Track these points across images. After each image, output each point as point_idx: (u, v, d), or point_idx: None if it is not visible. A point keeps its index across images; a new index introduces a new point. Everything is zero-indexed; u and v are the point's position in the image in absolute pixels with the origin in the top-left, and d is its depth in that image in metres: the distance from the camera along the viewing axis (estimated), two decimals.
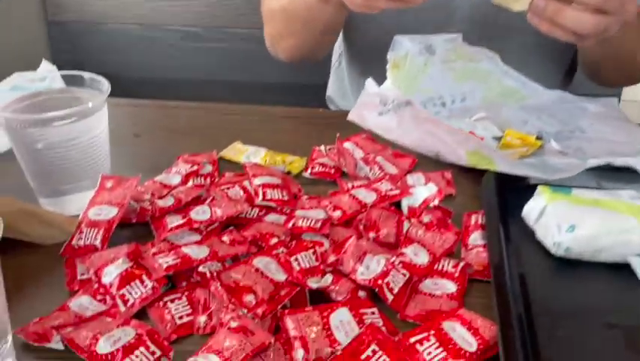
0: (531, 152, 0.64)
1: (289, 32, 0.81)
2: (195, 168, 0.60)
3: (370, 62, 0.75)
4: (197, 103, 0.78)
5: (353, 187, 0.57)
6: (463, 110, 0.74)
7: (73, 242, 0.50)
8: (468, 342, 0.40)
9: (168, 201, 0.54)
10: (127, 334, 0.40)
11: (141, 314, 0.43)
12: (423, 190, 0.55)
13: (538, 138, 0.67)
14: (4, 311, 0.38)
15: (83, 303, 0.44)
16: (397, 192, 0.55)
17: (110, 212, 0.51)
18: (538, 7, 0.56)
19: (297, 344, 0.40)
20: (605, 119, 0.72)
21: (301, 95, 1.00)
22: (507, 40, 0.78)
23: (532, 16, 0.58)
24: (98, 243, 0.49)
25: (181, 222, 0.51)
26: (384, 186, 0.56)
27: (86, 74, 0.55)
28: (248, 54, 1.40)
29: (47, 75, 0.58)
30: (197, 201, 0.54)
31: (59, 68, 0.63)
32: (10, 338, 0.39)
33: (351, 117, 0.63)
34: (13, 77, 0.59)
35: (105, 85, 0.54)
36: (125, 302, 0.44)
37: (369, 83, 0.62)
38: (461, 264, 0.47)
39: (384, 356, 0.39)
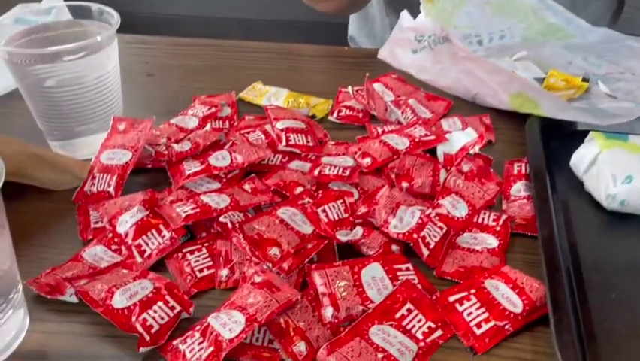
0: (578, 95, 0.58)
1: None
2: (213, 110, 0.56)
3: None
4: (213, 40, 0.73)
5: (383, 132, 0.53)
6: (502, 48, 0.68)
7: (86, 188, 0.47)
8: (512, 302, 0.36)
9: (185, 146, 0.50)
10: (144, 287, 0.37)
11: (159, 266, 0.41)
12: (461, 136, 0.50)
13: (585, 79, 0.61)
14: (12, 260, 0.35)
15: (98, 253, 0.42)
16: (432, 137, 0.50)
17: (123, 156, 0.47)
18: None
19: (325, 301, 0.37)
20: None
21: (319, 34, 0.94)
22: None
23: None
24: (111, 189, 0.46)
25: (199, 168, 0.47)
26: (418, 132, 0.51)
27: (94, 5, 0.50)
28: None
29: (53, 7, 0.53)
30: (216, 146, 0.51)
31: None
32: (20, 288, 0.36)
33: (381, 55, 0.58)
34: (15, 8, 0.54)
35: (115, 17, 0.49)
36: (141, 253, 0.41)
37: (405, 15, 0.56)
38: (503, 217, 0.43)
39: (420, 316, 0.36)
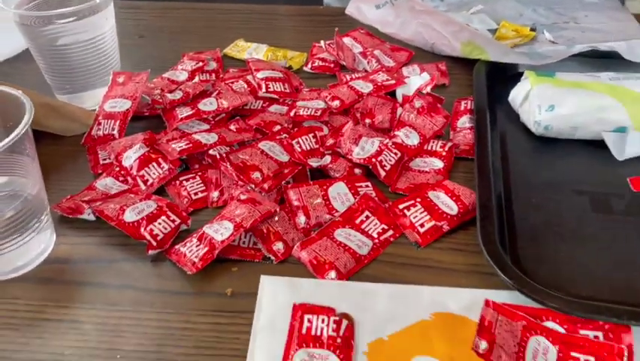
0: (524, 42, 0.66)
1: None
2: (200, 64, 0.63)
3: None
4: (198, 3, 0.79)
5: (351, 79, 0.60)
6: (460, 4, 0.75)
7: (93, 132, 0.54)
8: (449, 207, 0.45)
9: (177, 95, 0.57)
10: (149, 206, 0.45)
11: (160, 192, 0.49)
12: (417, 79, 0.58)
13: (532, 29, 0.68)
14: (41, 185, 0.43)
15: (108, 183, 0.49)
16: (393, 82, 0.58)
17: (124, 104, 0.55)
18: None
19: (299, 212, 0.45)
20: (600, 10, 0.73)
21: None
22: None
23: None
24: (115, 132, 0.53)
25: (190, 112, 0.55)
26: (381, 77, 0.59)
27: None
28: None
29: None
30: (204, 94, 0.58)
31: None
32: (48, 211, 0.44)
33: (349, 11, 0.65)
34: None
35: None
36: (144, 182, 0.49)
37: None
38: (449, 144, 0.52)
39: (375, 220, 0.45)
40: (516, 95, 0.54)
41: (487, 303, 0.38)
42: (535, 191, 0.47)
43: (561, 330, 0.36)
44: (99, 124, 0.54)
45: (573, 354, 0.35)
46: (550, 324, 0.37)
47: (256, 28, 0.73)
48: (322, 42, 0.67)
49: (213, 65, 0.65)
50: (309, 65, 0.65)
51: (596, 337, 0.36)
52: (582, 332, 0.36)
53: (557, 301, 0.36)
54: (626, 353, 0.35)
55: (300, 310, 0.38)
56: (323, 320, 0.37)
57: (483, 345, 0.35)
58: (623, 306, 0.36)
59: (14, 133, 0.37)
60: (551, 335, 0.36)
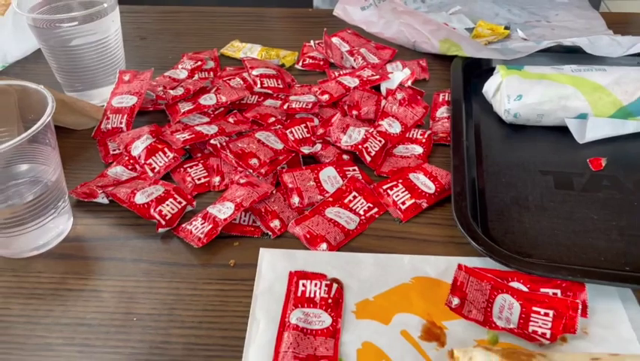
0: (498, 40, 0.71)
1: None
2: (199, 63, 0.68)
3: None
4: (195, 7, 0.84)
5: (339, 75, 0.65)
6: (441, 5, 0.80)
7: (102, 126, 0.59)
8: (428, 186, 0.50)
9: (179, 91, 0.62)
10: (157, 190, 0.50)
11: (166, 178, 0.53)
12: (399, 74, 0.63)
13: (507, 28, 0.74)
14: (60, 173, 0.47)
15: (118, 171, 0.54)
16: (377, 77, 0.63)
17: (130, 100, 0.59)
18: None
19: (293, 193, 0.50)
20: (569, 9, 0.78)
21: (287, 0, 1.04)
22: None
23: None
24: (123, 126, 0.58)
25: (192, 107, 0.59)
26: (366, 73, 0.64)
27: None
28: None
29: None
30: (204, 90, 0.63)
31: None
32: (66, 197, 0.49)
33: (336, 12, 0.70)
34: None
35: None
36: (152, 170, 0.53)
37: None
38: (428, 132, 0.57)
39: (362, 200, 0.50)
40: (489, 87, 0.59)
41: (459, 267, 0.43)
42: (505, 171, 0.52)
43: (524, 289, 0.42)
44: (108, 118, 0.59)
45: (535, 308, 0.40)
46: (515, 284, 0.42)
47: (250, 29, 0.78)
48: (312, 41, 0.72)
49: (211, 63, 0.69)
50: (300, 63, 0.70)
51: (554, 294, 0.41)
52: (543, 289, 0.41)
53: (521, 263, 0.42)
54: (580, 307, 0.40)
55: (296, 276, 0.43)
56: (316, 284, 0.42)
57: (455, 301, 0.41)
58: (578, 266, 0.42)
59: (39, 123, 0.42)
60: (516, 293, 0.41)
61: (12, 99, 0.48)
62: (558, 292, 0.41)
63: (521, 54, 0.61)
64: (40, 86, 0.46)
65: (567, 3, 0.79)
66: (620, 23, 0.75)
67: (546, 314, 0.40)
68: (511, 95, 0.55)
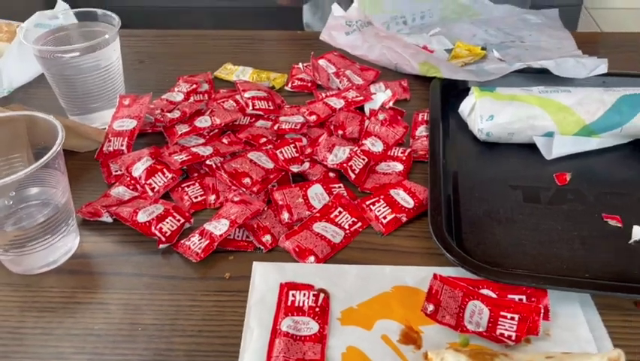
0: (475, 60, 0.76)
1: None
2: (194, 86, 0.73)
3: None
4: (191, 30, 0.88)
5: (326, 96, 0.70)
6: (422, 27, 0.85)
7: (104, 148, 0.63)
8: (407, 202, 0.54)
9: (175, 114, 0.66)
10: (158, 208, 0.54)
11: (165, 198, 0.58)
12: (381, 95, 0.67)
13: (483, 48, 0.79)
14: (69, 196, 0.51)
15: (120, 191, 0.58)
16: (361, 98, 0.68)
17: (130, 123, 0.64)
18: None
19: (283, 210, 0.54)
20: (543, 29, 0.83)
21: (281, 19, 1.09)
22: None
23: None
24: (124, 148, 0.62)
25: (188, 129, 0.64)
26: (351, 94, 0.69)
27: (99, 11, 0.65)
28: None
29: (63, 13, 0.68)
30: (199, 113, 0.67)
31: (50, 1, 0.73)
32: (74, 217, 0.52)
33: (322, 37, 0.75)
34: (35, 15, 0.68)
35: (116, 19, 0.65)
36: (152, 189, 0.57)
37: (335, 7, 0.72)
38: (408, 150, 0.61)
39: (347, 215, 0.54)
40: (464, 107, 0.64)
41: (434, 276, 0.47)
42: (478, 186, 0.56)
43: (493, 295, 0.46)
44: (109, 141, 0.63)
45: (502, 313, 0.44)
46: (485, 291, 0.46)
47: (242, 52, 0.82)
48: (300, 64, 0.77)
49: (206, 86, 0.74)
50: (290, 85, 0.74)
51: (520, 299, 0.45)
52: (510, 296, 0.46)
53: (490, 272, 0.46)
54: (542, 311, 0.44)
55: (286, 287, 0.47)
56: (304, 294, 0.46)
57: (430, 307, 0.45)
58: (541, 275, 0.46)
59: (51, 150, 0.46)
60: (485, 300, 0.45)
61: (22, 127, 0.52)
62: (524, 298, 0.45)
63: (494, 76, 0.66)
64: (51, 116, 0.50)
65: (540, 23, 0.84)
66: (589, 43, 0.80)
67: (512, 318, 0.44)
68: (484, 115, 0.60)
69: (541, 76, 0.68)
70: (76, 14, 0.67)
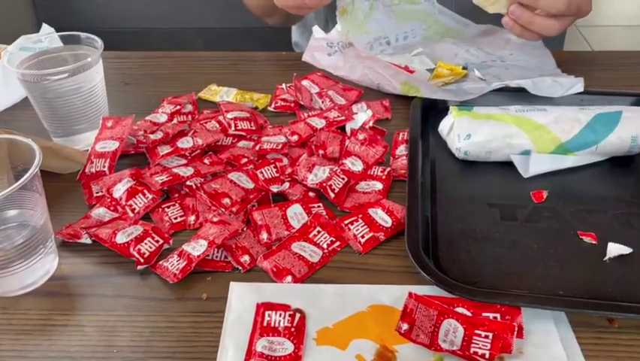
0: (456, 80, 0.77)
1: (264, 15, 0.92)
2: (178, 107, 0.73)
3: (333, 10, 0.87)
4: (176, 52, 0.89)
5: (308, 116, 0.70)
6: (405, 47, 0.86)
7: (86, 170, 0.63)
8: (385, 220, 0.55)
9: (158, 135, 0.67)
10: (137, 229, 0.54)
11: (145, 218, 0.58)
12: (362, 115, 0.68)
13: (464, 68, 0.80)
14: (47, 217, 0.51)
15: (101, 213, 0.58)
16: (343, 118, 0.69)
17: (112, 145, 0.64)
18: (514, 14, 0.70)
19: (262, 230, 0.54)
20: (523, 49, 0.84)
21: (269, 39, 1.11)
22: None
23: (508, 21, 0.71)
24: (106, 169, 0.63)
25: (170, 150, 0.64)
26: (333, 114, 0.69)
27: (82, 34, 0.66)
28: (220, 1, 1.49)
29: (47, 36, 0.69)
30: (182, 134, 0.68)
31: (43, 22, 0.75)
32: (53, 238, 0.53)
33: (305, 58, 0.76)
34: (20, 39, 0.69)
35: (99, 42, 0.66)
36: (132, 210, 0.58)
37: (316, 30, 0.74)
38: (387, 169, 0.62)
39: (325, 234, 0.54)
40: (444, 127, 0.65)
41: (410, 295, 0.47)
42: (456, 205, 0.57)
43: (468, 313, 0.46)
44: (92, 162, 0.64)
45: (476, 331, 0.45)
46: (460, 309, 0.46)
47: (228, 72, 0.83)
48: (284, 85, 0.78)
49: (189, 107, 0.75)
50: (273, 105, 0.75)
51: (494, 317, 0.46)
52: (484, 314, 0.46)
53: (464, 291, 0.46)
54: (516, 329, 0.44)
55: (262, 307, 0.47)
56: (280, 315, 0.46)
57: (404, 326, 0.45)
58: (514, 292, 0.46)
59: (28, 173, 0.46)
60: (460, 318, 0.46)
61: (2, 149, 0.53)
62: (498, 315, 0.46)
63: (473, 95, 0.67)
64: (29, 139, 0.50)
65: (521, 43, 0.85)
66: (568, 61, 0.81)
67: (486, 336, 0.44)
68: (462, 134, 0.60)
69: (519, 95, 0.69)
70: (61, 37, 0.69)
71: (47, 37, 0.69)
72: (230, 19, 1.51)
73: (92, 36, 0.66)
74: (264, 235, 0.54)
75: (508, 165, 0.61)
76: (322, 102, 0.74)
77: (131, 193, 0.58)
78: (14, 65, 0.64)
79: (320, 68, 0.76)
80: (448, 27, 0.89)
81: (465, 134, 0.60)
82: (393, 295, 0.48)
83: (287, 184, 0.60)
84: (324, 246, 0.53)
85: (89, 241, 0.55)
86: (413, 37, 0.88)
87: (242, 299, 0.48)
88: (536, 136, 0.60)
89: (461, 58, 0.83)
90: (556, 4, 0.69)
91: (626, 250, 0.50)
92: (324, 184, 0.59)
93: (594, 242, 0.52)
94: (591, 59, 0.86)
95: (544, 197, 0.57)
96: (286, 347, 0.44)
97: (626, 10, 2.91)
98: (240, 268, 0.52)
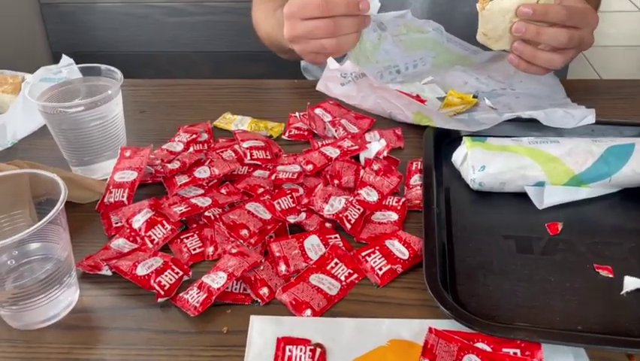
0: (467, 109, 0.78)
1: (278, 51, 0.94)
2: (194, 136, 0.74)
3: None
4: (189, 80, 0.91)
5: (322, 145, 0.71)
6: (415, 75, 0.87)
7: (105, 200, 0.64)
8: (402, 253, 0.55)
9: (175, 165, 0.68)
10: (157, 261, 0.55)
11: (164, 249, 0.58)
12: (376, 144, 0.69)
13: (475, 96, 0.81)
14: (70, 250, 0.52)
15: (120, 243, 0.59)
16: (356, 147, 0.69)
17: (131, 175, 0.65)
18: (517, 49, 0.71)
19: (280, 261, 0.55)
20: (534, 77, 0.86)
21: (279, 64, 1.12)
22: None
23: (513, 58, 0.72)
24: (125, 199, 0.63)
25: (187, 180, 0.65)
26: (346, 143, 0.70)
27: (102, 66, 0.68)
28: (229, 25, 1.51)
29: (67, 67, 0.70)
30: (198, 163, 0.69)
31: (55, 46, 0.76)
32: (74, 270, 0.53)
33: (319, 88, 0.77)
34: (40, 71, 0.71)
35: (119, 74, 0.67)
36: (151, 241, 0.58)
37: (330, 61, 0.75)
38: (402, 200, 0.63)
39: (343, 266, 0.55)
40: (457, 157, 0.66)
41: (430, 330, 0.48)
42: (472, 236, 0.57)
43: (488, 349, 0.46)
44: (110, 192, 0.64)
45: None
46: (480, 345, 0.47)
47: (241, 101, 0.85)
48: (297, 113, 0.79)
49: (205, 136, 0.76)
50: (287, 134, 0.76)
51: (515, 353, 0.46)
52: (504, 349, 0.46)
53: (483, 326, 0.47)
54: None
55: (283, 342, 0.48)
56: (301, 349, 0.47)
57: None
58: (535, 328, 0.47)
59: (54, 210, 0.47)
60: (481, 354, 0.46)
61: (24, 182, 0.54)
62: (518, 351, 0.46)
63: (485, 126, 0.67)
64: (54, 174, 0.51)
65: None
66: (578, 90, 0.83)
67: None
68: (476, 165, 0.61)
69: (530, 124, 0.70)
70: (81, 69, 0.70)
71: (67, 68, 0.70)
72: (239, 43, 1.53)
73: (112, 68, 0.68)
74: (283, 267, 0.55)
75: (522, 196, 0.61)
76: (335, 131, 0.75)
77: (151, 224, 0.59)
78: (35, 97, 0.65)
79: (333, 97, 0.78)
80: (457, 54, 0.90)
81: (479, 165, 0.61)
82: (413, 329, 0.49)
83: (303, 215, 0.61)
84: (342, 278, 0.54)
85: (109, 272, 0.55)
86: (423, 64, 0.89)
87: (262, 334, 0.49)
88: (550, 168, 0.60)
89: (471, 86, 0.84)
90: (559, 37, 0.70)
91: None
92: (341, 215, 0.59)
93: (611, 275, 0.52)
94: (600, 87, 0.87)
95: (560, 229, 0.58)
96: None
97: (627, 30, 2.94)
98: (259, 300, 0.52)
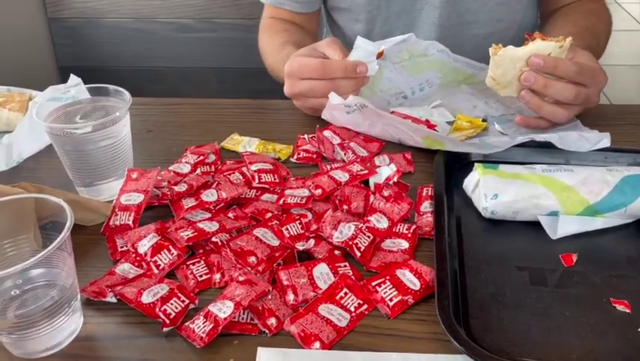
0: (477, 133, 0.77)
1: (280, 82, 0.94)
2: (201, 158, 0.74)
3: None
4: (197, 99, 0.90)
5: (331, 169, 0.70)
6: (423, 97, 0.87)
7: (111, 223, 0.63)
8: (413, 283, 0.54)
9: (182, 187, 0.67)
10: (162, 288, 0.54)
11: (170, 275, 0.57)
12: (386, 169, 0.68)
13: (484, 120, 0.80)
14: (74, 277, 0.51)
15: (125, 268, 0.58)
16: (366, 172, 0.69)
17: (137, 198, 0.64)
18: (524, 98, 0.72)
19: (289, 290, 0.54)
20: None
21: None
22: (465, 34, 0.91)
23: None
24: (130, 222, 0.62)
25: (194, 203, 0.64)
26: (356, 168, 0.69)
27: (111, 87, 0.67)
28: (236, 42, 1.52)
29: (75, 87, 0.70)
30: (206, 185, 0.68)
31: (62, 61, 0.76)
32: (79, 297, 0.52)
33: (324, 116, 0.76)
34: (48, 90, 0.71)
35: (127, 95, 0.66)
36: (157, 267, 0.57)
37: (332, 96, 0.74)
38: (413, 227, 0.61)
39: (352, 296, 0.54)
40: (468, 183, 0.65)
41: None
42: (484, 267, 0.56)
43: None
44: (116, 215, 0.63)
45: None
46: None
47: (249, 121, 0.84)
48: (306, 135, 0.78)
49: (212, 157, 0.75)
50: (295, 156, 0.75)
51: None
52: None
53: None
54: None
55: None
56: None
57: None
58: None
59: (60, 237, 0.46)
60: None
61: (30, 206, 0.53)
62: None
63: (498, 148, 0.67)
64: (60, 199, 0.50)
65: None
66: (588, 115, 0.82)
67: None
68: (488, 194, 0.60)
69: (541, 150, 0.69)
70: (89, 89, 0.69)
71: (75, 87, 0.70)
72: (246, 59, 1.53)
73: (120, 89, 0.67)
74: (291, 296, 0.53)
75: (535, 225, 0.60)
76: (344, 154, 0.74)
77: (157, 249, 0.58)
78: (42, 117, 0.64)
79: (339, 125, 0.77)
80: (464, 74, 0.89)
81: (492, 193, 0.60)
82: None
83: (312, 241, 0.59)
84: (352, 309, 0.53)
85: (114, 299, 0.54)
86: (429, 86, 0.88)
87: None
88: (564, 197, 0.59)
89: (480, 110, 0.83)
90: (565, 93, 0.69)
91: None
92: (350, 242, 0.58)
93: (627, 310, 0.51)
94: (611, 112, 0.86)
95: (574, 260, 0.57)
96: None
97: (631, 48, 2.94)
98: (267, 331, 0.51)
